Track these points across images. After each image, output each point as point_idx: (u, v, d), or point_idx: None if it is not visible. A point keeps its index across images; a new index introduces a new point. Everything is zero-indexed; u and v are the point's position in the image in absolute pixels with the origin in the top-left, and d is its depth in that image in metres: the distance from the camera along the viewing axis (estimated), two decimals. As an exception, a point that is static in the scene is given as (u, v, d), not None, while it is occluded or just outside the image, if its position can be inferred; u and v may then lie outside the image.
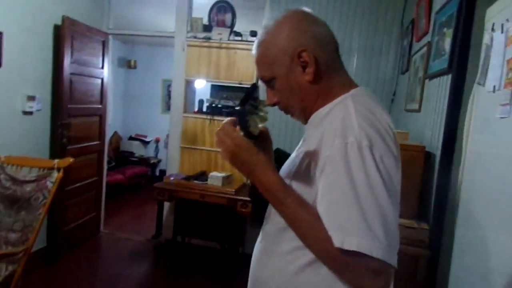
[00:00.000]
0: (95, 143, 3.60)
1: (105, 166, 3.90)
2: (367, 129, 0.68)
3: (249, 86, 0.96)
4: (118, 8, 3.88)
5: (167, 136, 6.35)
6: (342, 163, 0.66)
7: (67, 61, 3.04)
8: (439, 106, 1.69)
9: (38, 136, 2.99)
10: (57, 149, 3.07)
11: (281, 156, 0.99)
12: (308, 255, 0.72)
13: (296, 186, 0.77)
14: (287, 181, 0.79)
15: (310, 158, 0.76)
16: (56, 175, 2.22)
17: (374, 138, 0.67)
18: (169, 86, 6.69)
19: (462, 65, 1.46)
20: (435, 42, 1.87)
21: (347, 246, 0.62)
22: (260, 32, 0.87)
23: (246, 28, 3.34)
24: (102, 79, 3.63)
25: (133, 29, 4.21)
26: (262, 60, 0.84)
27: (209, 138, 3.52)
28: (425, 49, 2.06)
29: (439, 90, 1.73)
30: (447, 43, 1.64)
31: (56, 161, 2.26)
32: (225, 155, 0.78)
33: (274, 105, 0.88)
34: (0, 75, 2.56)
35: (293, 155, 0.88)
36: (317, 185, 0.72)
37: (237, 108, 0.84)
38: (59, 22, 2.99)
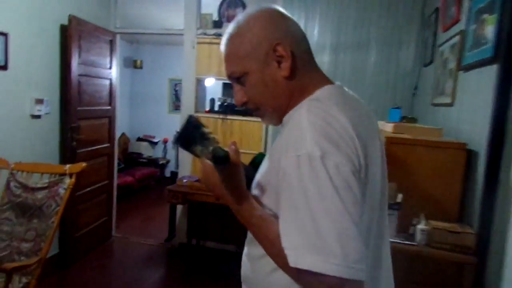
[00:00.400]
0: (105, 145, 3.51)
1: (116, 169, 3.81)
2: (319, 139, 0.64)
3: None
4: (125, 7, 3.77)
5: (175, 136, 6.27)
6: (295, 178, 0.65)
7: (75, 62, 2.94)
8: (480, 99, 1.56)
9: (47, 140, 2.89)
10: (67, 153, 2.98)
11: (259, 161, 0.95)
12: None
13: (267, 194, 0.76)
14: (257, 190, 0.79)
15: (275, 165, 0.72)
16: (68, 181, 2.13)
17: (326, 148, 0.64)
18: (175, 85, 6.62)
19: (510, 54, 1.33)
20: (471, 30, 1.74)
21: (300, 266, 0.61)
22: (230, 27, 0.83)
23: (258, 23, 3.22)
24: (111, 80, 3.53)
25: (140, 28, 4.10)
26: (233, 55, 0.81)
27: (221, 138, 3.41)
28: (456, 38, 1.93)
29: (480, 82, 1.60)
30: (489, 31, 1.50)
31: (67, 166, 2.16)
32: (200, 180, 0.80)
33: (242, 105, 0.84)
34: (6, 78, 2.46)
35: (266, 157, 0.84)
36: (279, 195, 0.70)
37: (174, 141, 0.82)
38: (65, 22, 2.89)
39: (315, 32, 3.06)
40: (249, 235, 0.82)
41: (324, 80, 0.82)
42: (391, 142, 1.66)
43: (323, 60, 3.05)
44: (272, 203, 0.74)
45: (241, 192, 0.76)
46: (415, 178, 1.63)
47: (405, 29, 2.95)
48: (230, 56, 0.82)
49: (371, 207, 0.74)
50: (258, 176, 0.82)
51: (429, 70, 2.59)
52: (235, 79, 0.82)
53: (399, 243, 1.53)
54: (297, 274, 0.64)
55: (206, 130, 0.78)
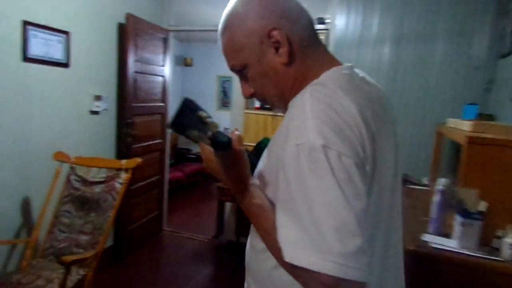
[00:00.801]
0: (157, 141, 3.57)
1: (167, 164, 3.87)
2: (322, 127, 0.59)
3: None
4: (178, 4, 3.81)
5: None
6: (293, 168, 0.60)
7: (131, 59, 3.00)
8: None
9: (105, 135, 2.99)
10: (122, 148, 3.06)
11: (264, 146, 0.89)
12: None
13: (267, 185, 0.72)
14: (258, 180, 0.74)
15: (275, 153, 0.68)
16: (124, 176, 2.16)
17: (330, 136, 0.58)
18: (224, 82, 6.68)
19: None
20: None
21: (296, 262, 0.56)
22: (222, 17, 0.78)
23: (312, 15, 3.07)
24: (164, 77, 3.58)
25: (192, 25, 4.12)
26: (229, 48, 0.77)
27: (271, 135, 3.32)
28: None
29: None
30: None
31: (124, 161, 2.19)
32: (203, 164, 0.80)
33: (251, 96, 0.81)
34: (68, 76, 2.56)
35: (269, 144, 0.79)
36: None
37: (168, 125, 0.78)
38: (123, 20, 2.96)
39: (374, 24, 2.86)
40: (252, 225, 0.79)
41: (331, 62, 0.76)
42: (470, 142, 1.46)
43: (383, 53, 2.84)
44: (272, 194, 0.70)
45: (242, 180, 0.72)
46: (500, 183, 1.42)
47: (478, 17, 2.66)
48: (226, 50, 0.78)
49: (379, 201, 0.68)
50: (260, 165, 0.78)
51: (507, 62, 2.30)
52: (237, 72, 0.79)
53: (481, 257, 1.34)
54: (292, 269, 0.59)
55: (203, 114, 0.74)
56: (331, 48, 2.97)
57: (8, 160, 2.17)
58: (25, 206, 2.33)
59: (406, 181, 2.35)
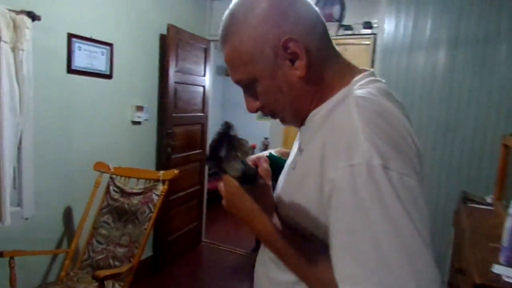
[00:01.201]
0: (197, 151, 3.54)
1: (206, 175, 3.83)
2: (377, 142, 0.52)
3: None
4: (219, 13, 3.80)
5: (263, 142, 6.22)
6: (350, 194, 0.51)
7: (172, 70, 3.01)
8: None
9: (145, 145, 3.00)
10: (162, 158, 3.05)
11: (275, 165, 0.77)
12: None
13: (296, 208, 0.64)
14: (285, 199, 0.68)
15: (313, 176, 0.59)
16: (161, 187, 2.11)
17: (388, 153, 0.51)
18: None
19: None
20: None
21: None
22: (224, 20, 0.67)
23: (358, 19, 2.91)
24: (204, 87, 3.56)
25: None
26: (235, 59, 0.66)
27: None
28: None
29: None
30: None
31: (161, 173, 2.15)
32: (223, 203, 0.71)
33: (257, 111, 0.72)
34: (111, 87, 2.60)
35: (289, 166, 0.74)
36: (327, 212, 0.56)
37: (207, 159, 0.66)
38: (164, 32, 2.98)
39: (427, 26, 2.63)
40: (269, 254, 0.71)
41: (352, 69, 0.68)
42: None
43: (437, 57, 2.60)
44: (308, 221, 0.62)
45: (267, 216, 0.66)
46: None
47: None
48: (231, 60, 0.67)
49: None
50: (282, 191, 0.71)
51: None
52: (243, 86, 0.70)
53: None
54: None
55: (241, 141, 0.66)
56: (378, 54, 2.77)
57: (51, 170, 2.21)
58: (67, 216, 2.36)
59: (466, 199, 2.09)
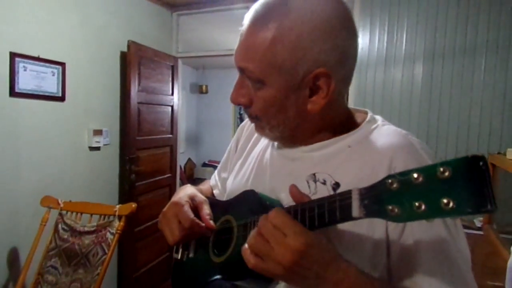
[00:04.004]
0: (166, 176, 3.28)
1: (178, 201, 3.57)
2: None
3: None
4: (187, 31, 3.61)
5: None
6: (438, 227, 0.52)
7: (134, 89, 2.77)
8: None
9: (106, 172, 2.73)
10: (125, 186, 2.78)
11: (259, 204, 0.63)
12: None
13: (350, 247, 0.54)
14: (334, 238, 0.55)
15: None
16: (117, 224, 1.85)
17: None
18: (240, 109, 6.45)
19: None
20: None
21: None
22: (269, 2, 0.56)
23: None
24: (172, 107, 3.34)
25: (203, 51, 3.92)
26: (257, 51, 0.56)
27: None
28: None
29: None
30: None
31: (117, 207, 1.89)
32: (280, 263, 0.45)
33: (239, 104, 0.64)
34: (64, 109, 2.34)
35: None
36: (392, 246, 0.54)
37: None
38: (125, 49, 2.75)
39: (403, 40, 2.52)
40: None
41: (350, 109, 0.69)
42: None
43: (414, 71, 2.49)
44: (365, 261, 0.54)
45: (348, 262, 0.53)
46: None
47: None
48: (252, 49, 0.56)
49: None
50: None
51: None
52: (243, 74, 0.61)
53: None
54: None
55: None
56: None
57: (-10, 208, 1.92)
58: (12, 260, 2.07)
59: (454, 223, 1.93)
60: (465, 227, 1.91)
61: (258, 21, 0.55)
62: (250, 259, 0.48)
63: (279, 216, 0.47)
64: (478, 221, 1.96)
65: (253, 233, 0.48)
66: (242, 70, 0.61)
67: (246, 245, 0.49)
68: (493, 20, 2.31)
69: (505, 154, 1.73)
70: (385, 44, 2.56)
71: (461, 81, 2.38)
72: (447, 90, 2.41)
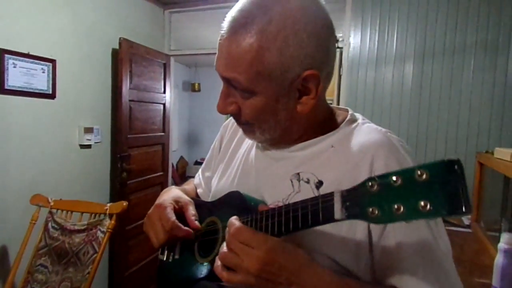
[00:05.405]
0: (157, 174, 3.27)
1: (169, 199, 3.56)
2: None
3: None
4: (179, 29, 3.60)
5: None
6: (420, 225, 0.54)
7: (125, 87, 2.75)
8: None
9: (97, 170, 2.71)
10: (116, 184, 2.77)
11: (244, 205, 0.63)
12: None
13: (332, 245, 0.55)
14: (313, 237, 0.56)
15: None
16: (108, 222, 1.84)
17: None
18: (233, 107, 6.47)
19: None
20: None
21: None
22: (246, 8, 0.54)
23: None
24: (164, 105, 3.32)
25: (195, 49, 3.90)
26: (242, 60, 0.54)
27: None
28: None
29: None
30: None
31: (108, 205, 1.88)
32: (249, 272, 0.47)
33: (227, 113, 0.63)
34: (54, 107, 2.31)
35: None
36: (374, 245, 0.55)
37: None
38: (116, 46, 2.73)
39: (394, 40, 2.54)
40: None
41: (332, 107, 0.72)
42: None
43: (405, 71, 2.51)
44: (346, 256, 0.56)
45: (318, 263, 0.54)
46: None
47: (514, 27, 2.32)
48: (237, 59, 0.54)
49: None
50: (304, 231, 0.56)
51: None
52: (228, 85, 0.59)
53: None
54: None
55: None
56: (345, 68, 2.66)
57: (-22, 207, 1.89)
58: (1, 257, 2.04)
59: (443, 221, 1.96)
60: (453, 225, 1.95)
61: (239, 29, 0.53)
62: (223, 274, 0.50)
63: (241, 232, 0.49)
64: (466, 219, 1.99)
65: (222, 249, 0.50)
66: (227, 81, 0.59)
67: (218, 262, 0.51)
68: (482, 21, 2.34)
69: (492, 153, 1.76)
70: (376, 43, 2.58)
71: (450, 81, 2.42)
72: (437, 90, 2.44)
